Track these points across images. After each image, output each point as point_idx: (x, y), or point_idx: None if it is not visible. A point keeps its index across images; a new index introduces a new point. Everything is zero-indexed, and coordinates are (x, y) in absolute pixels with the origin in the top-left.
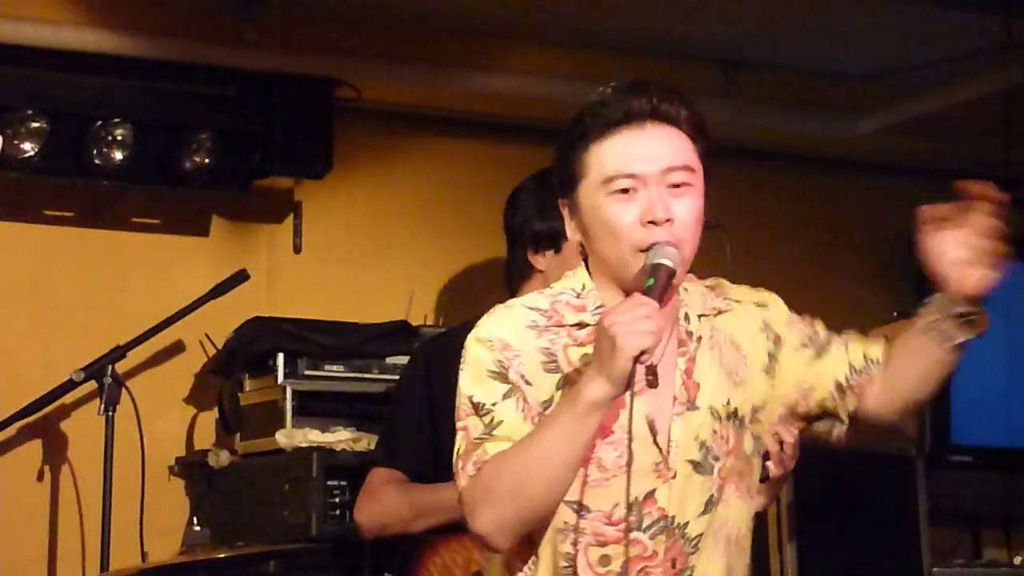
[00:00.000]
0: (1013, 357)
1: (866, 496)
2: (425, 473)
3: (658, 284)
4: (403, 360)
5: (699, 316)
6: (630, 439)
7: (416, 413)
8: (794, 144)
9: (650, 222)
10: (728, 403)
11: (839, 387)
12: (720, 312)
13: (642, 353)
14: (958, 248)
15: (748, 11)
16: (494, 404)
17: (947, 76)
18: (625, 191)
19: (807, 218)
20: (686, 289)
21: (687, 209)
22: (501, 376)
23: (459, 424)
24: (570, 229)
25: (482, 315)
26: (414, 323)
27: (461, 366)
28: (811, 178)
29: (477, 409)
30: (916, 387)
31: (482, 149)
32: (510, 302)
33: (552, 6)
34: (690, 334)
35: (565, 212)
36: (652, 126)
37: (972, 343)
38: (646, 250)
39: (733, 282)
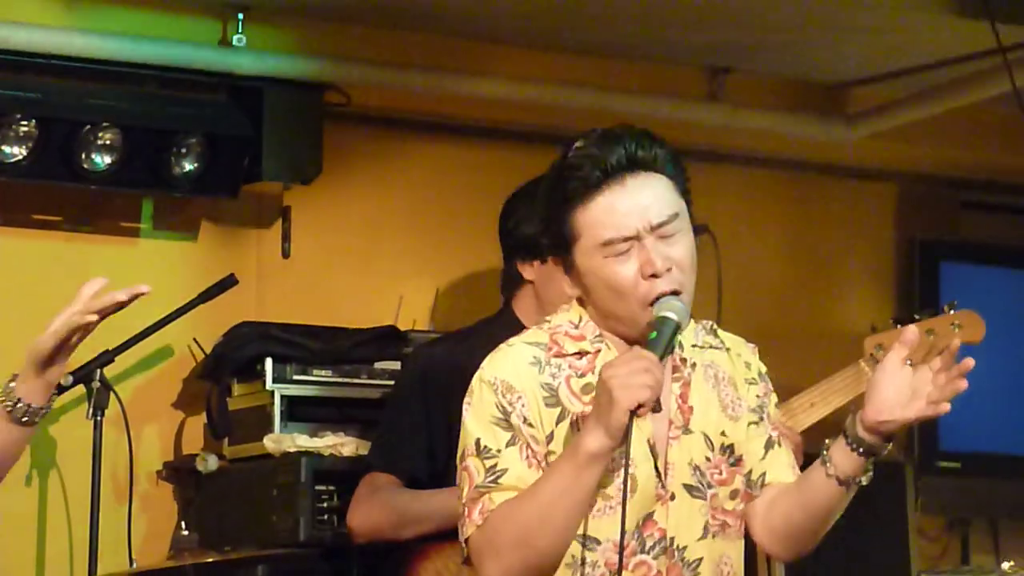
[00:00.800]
0: (1003, 363)
1: (854, 501)
2: (419, 479)
3: (661, 338)
4: (392, 365)
5: (692, 345)
6: (625, 487)
7: (412, 418)
8: (783, 149)
9: (651, 275)
10: (724, 434)
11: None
12: (712, 348)
13: (639, 407)
14: (922, 384)
15: (736, 17)
16: (498, 451)
17: (937, 82)
18: (622, 253)
19: (796, 224)
20: (678, 341)
21: (682, 252)
22: (504, 423)
23: (462, 463)
24: (567, 285)
25: (476, 321)
26: (403, 328)
27: (466, 401)
28: (800, 184)
29: (480, 452)
30: (793, 514)
31: (472, 154)
32: (511, 340)
33: (542, 11)
34: (684, 360)
35: (558, 268)
36: (631, 178)
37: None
38: (653, 303)
39: (722, 288)
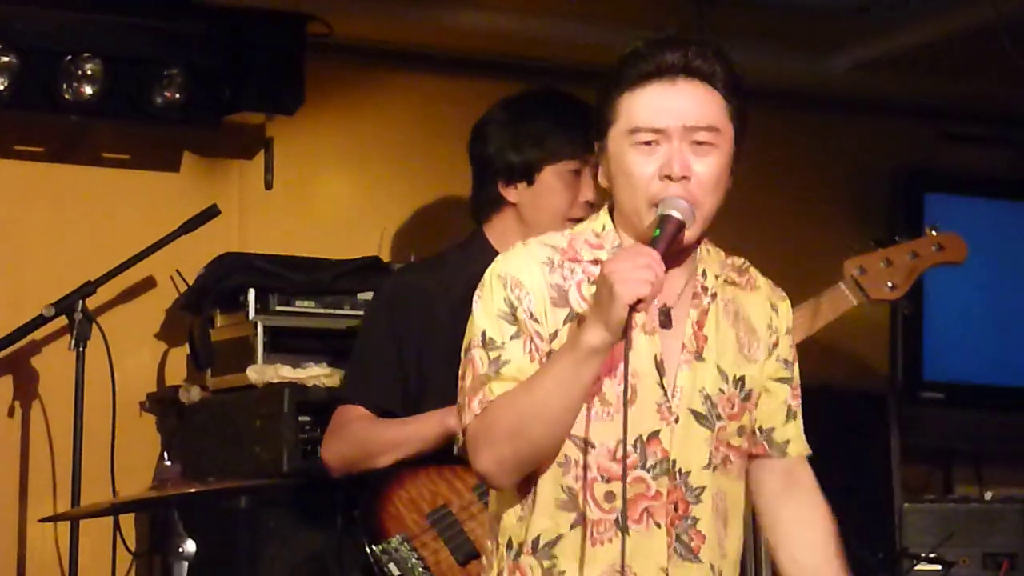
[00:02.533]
0: (986, 294)
1: (838, 431)
2: (392, 411)
3: (663, 235)
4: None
5: (715, 276)
6: (626, 387)
7: (381, 349)
8: (767, 80)
9: (666, 176)
10: (738, 371)
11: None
12: (735, 283)
13: (639, 302)
14: None
15: None
16: (503, 343)
17: (922, 12)
18: (648, 143)
19: (780, 154)
20: (708, 251)
21: (707, 168)
22: (510, 317)
23: (467, 354)
24: (601, 173)
25: (443, 251)
26: (386, 259)
27: (476, 295)
28: (784, 114)
29: (486, 343)
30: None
31: (455, 85)
32: (528, 240)
33: None
34: (705, 289)
35: (597, 156)
36: (683, 81)
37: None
38: (658, 204)
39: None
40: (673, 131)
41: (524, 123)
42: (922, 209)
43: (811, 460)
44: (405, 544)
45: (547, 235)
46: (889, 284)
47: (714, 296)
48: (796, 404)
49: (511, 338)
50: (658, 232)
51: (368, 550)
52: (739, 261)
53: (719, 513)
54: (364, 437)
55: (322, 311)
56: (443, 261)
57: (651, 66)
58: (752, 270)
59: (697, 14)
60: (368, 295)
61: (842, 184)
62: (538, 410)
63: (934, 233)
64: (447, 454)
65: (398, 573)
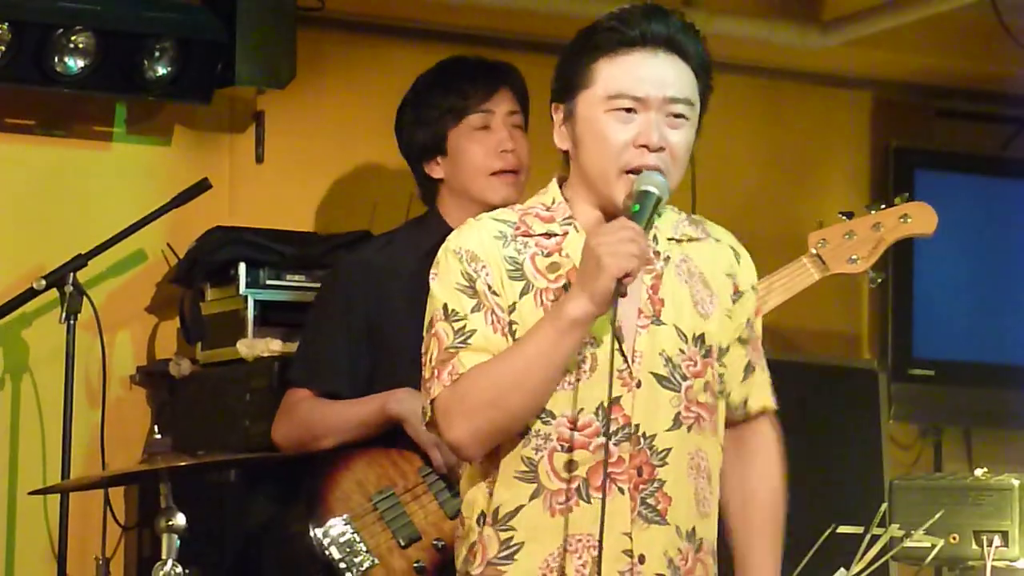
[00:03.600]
0: (976, 270)
1: (828, 408)
2: (338, 391)
3: (644, 210)
4: None
5: (668, 239)
6: (612, 359)
7: (330, 330)
8: (758, 57)
9: (643, 146)
10: (696, 329)
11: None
12: (692, 239)
13: (626, 275)
14: None
15: None
16: (465, 315)
17: None
18: (627, 111)
19: (771, 131)
20: (658, 214)
21: (681, 140)
22: (469, 290)
23: (430, 330)
24: (558, 136)
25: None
26: (377, 233)
27: (432, 273)
28: (775, 91)
29: (448, 315)
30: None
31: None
32: (479, 216)
33: None
34: (657, 254)
35: (557, 117)
36: (665, 54)
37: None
38: (631, 172)
39: (695, 194)
40: (653, 101)
41: (419, 102)
42: (913, 186)
43: (801, 436)
44: (348, 526)
45: (497, 211)
46: (852, 256)
47: (667, 259)
48: (756, 357)
49: (472, 310)
50: (637, 208)
51: (311, 533)
52: (694, 216)
53: (702, 471)
54: (308, 419)
55: (313, 285)
56: (394, 238)
57: (635, 33)
58: (708, 223)
59: None
60: None
61: (833, 160)
62: (518, 380)
63: (901, 204)
64: (395, 436)
65: (339, 556)
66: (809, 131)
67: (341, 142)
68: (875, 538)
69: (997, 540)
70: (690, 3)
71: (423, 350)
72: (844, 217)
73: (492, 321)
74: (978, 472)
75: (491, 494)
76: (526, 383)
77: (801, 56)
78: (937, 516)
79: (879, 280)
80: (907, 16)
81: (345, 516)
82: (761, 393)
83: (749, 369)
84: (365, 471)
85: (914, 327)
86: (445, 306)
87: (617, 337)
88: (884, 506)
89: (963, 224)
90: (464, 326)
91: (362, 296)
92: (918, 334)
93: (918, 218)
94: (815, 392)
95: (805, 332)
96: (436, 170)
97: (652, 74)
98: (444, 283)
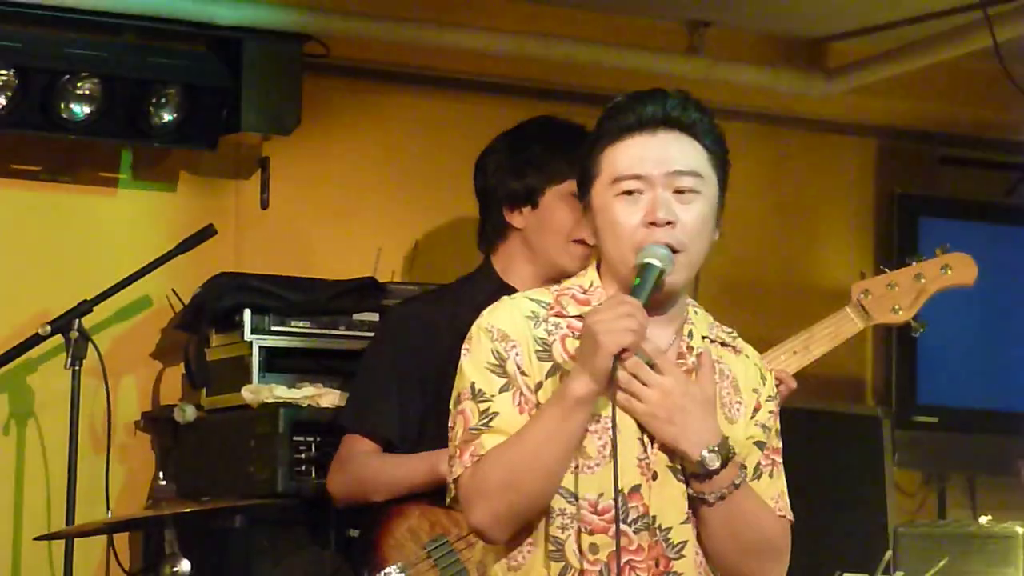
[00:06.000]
0: (981, 317)
1: (832, 455)
2: (391, 441)
3: (644, 284)
4: (371, 317)
5: (702, 336)
6: (614, 435)
7: (383, 379)
8: (762, 104)
9: (651, 223)
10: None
11: None
12: (725, 344)
13: (623, 351)
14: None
15: None
16: (492, 396)
17: (917, 37)
18: (631, 192)
19: (775, 178)
20: (696, 312)
21: (692, 216)
22: (499, 369)
23: (457, 406)
24: (585, 229)
25: (456, 279)
26: (382, 280)
27: (464, 347)
28: (779, 138)
29: (476, 395)
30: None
31: (451, 106)
32: (515, 295)
33: None
34: (690, 348)
35: (583, 213)
36: (664, 132)
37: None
38: None
39: None
40: (656, 178)
41: (522, 149)
42: (917, 233)
43: (805, 483)
44: (402, 574)
45: (533, 290)
46: (894, 307)
47: (699, 356)
48: (767, 464)
49: (500, 390)
50: (638, 281)
51: None
52: (727, 328)
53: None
54: (363, 475)
55: (318, 331)
56: (449, 292)
57: (631, 119)
58: (738, 338)
59: (691, 37)
60: (364, 315)
61: (837, 207)
62: (529, 462)
63: (943, 254)
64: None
65: None
66: (813, 178)
67: (346, 189)
68: None
69: None
70: (694, 50)
71: (450, 424)
72: (884, 269)
73: (520, 402)
74: (982, 519)
75: (515, 571)
76: (537, 464)
77: (805, 103)
78: (941, 563)
79: (921, 330)
80: (911, 64)
81: (400, 564)
82: (762, 496)
83: (757, 474)
84: (419, 520)
85: (918, 374)
86: (473, 384)
87: (640, 425)
88: (888, 553)
89: None
90: (489, 407)
91: (413, 347)
92: (922, 381)
93: (958, 269)
94: (819, 438)
95: (809, 378)
96: (518, 219)
97: (652, 153)
98: (475, 360)
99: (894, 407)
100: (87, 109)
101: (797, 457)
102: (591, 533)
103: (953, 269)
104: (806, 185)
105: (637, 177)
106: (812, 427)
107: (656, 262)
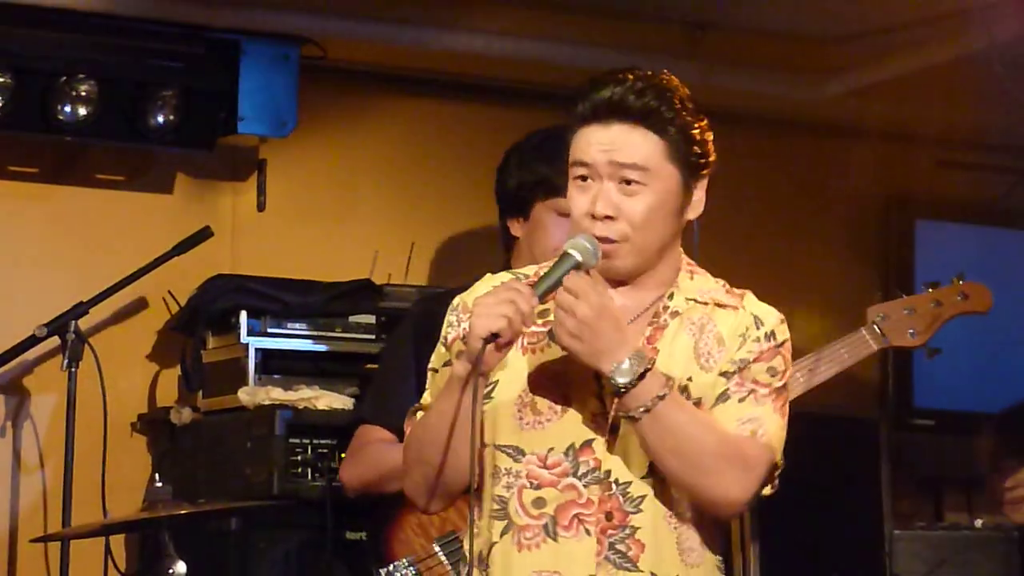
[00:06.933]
0: (978, 321)
1: (828, 458)
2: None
3: (551, 273)
4: (367, 319)
5: (687, 299)
6: (474, 417)
7: (402, 371)
8: (760, 107)
9: (591, 215)
10: (690, 380)
11: None
12: (720, 304)
13: (493, 336)
14: None
15: None
16: (436, 370)
17: (915, 39)
18: (583, 179)
19: (772, 181)
20: (692, 278)
21: (639, 208)
22: (445, 341)
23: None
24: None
25: (447, 279)
26: (378, 282)
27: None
28: (776, 141)
29: (429, 370)
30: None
31: (448, 109)
32: (499, 272)
33: None
34: (666, 308)
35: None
36: (617, 123)
37: None
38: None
39: (698, 245)
40: (600, 167)
41: (526, 159)
42: (914, 236)
43: (801, 486)
44: (411, 568)
45: (528, 267)
46: (911, 331)
47: (674, 315)
48: (738, 390)
49: (443, 365)
50: (548, 270)
51: (375, 573)
52: (742, 291)
53: (685, 520)
54: (379, 461)
55: (314, 333)
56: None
57: (587, 109)
58: (754, 301)
59: (689, 40)
60: (360, 318)
61: (834, 210)
62: (429, 435)
63: (960, 282)
64: None
65: None
66: (810, 181)
67: (343, 191)
68: None
69: None
70: (692, 54)
71: None
72: (901, 294)
73: None
74: (978, 523)
75: (475, 536)
76: (432, 436)
77: (802, 106)
78: (938, 566)
79: (937, 353)
80: (907, 67)
81: (409, 558)
82: (726, 422)
83: (724, 396)
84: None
85: (914, 377)
86: (431, 360)
87: (598, 381)
88: (885, 556)
89: (968, 275)
90: (430, 382)
91: (432, 343)
92: (919, 384)
93: (975, 297)
94: (815, 442)
95: (823, 392)
96: (515, 228)
97: (599, 140)
98: (439, 336)
99: (891, 410)
100: (84, 111)
101: (792, 460)
102: (537, 487)
103: (970, 297)
104: (803, 188)
105: (583, 164)
106: (808, 431)
107: (575, 253)
